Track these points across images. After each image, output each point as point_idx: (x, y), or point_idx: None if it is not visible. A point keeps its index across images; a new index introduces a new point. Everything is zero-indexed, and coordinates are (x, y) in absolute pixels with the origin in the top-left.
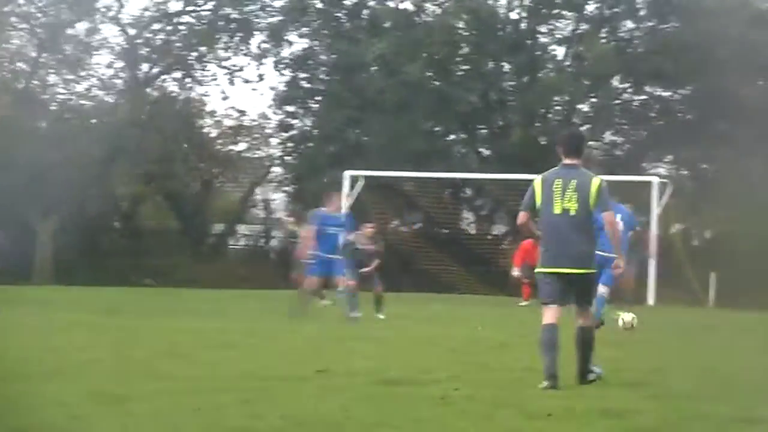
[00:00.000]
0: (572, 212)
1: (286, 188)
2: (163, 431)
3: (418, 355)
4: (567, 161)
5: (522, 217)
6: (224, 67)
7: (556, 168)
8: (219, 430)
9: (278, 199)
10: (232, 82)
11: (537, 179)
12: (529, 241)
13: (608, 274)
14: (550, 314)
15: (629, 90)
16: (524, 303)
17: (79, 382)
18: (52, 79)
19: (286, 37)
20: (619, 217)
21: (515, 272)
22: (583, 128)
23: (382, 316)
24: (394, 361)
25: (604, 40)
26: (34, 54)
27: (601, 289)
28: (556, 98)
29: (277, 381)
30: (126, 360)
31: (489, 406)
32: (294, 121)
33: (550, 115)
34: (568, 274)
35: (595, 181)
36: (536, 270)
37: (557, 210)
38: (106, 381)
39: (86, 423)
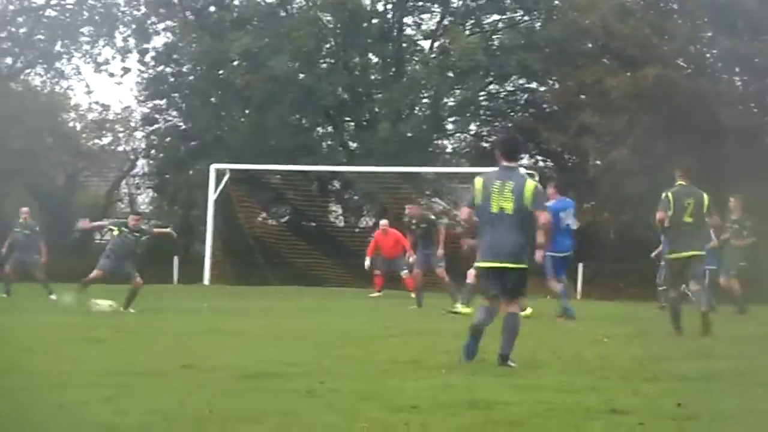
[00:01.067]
0: (508, 211)
1: (151, 182)
2: (25, 429)
3: (284, 348)
4: (505, 164)
5: (465, 212)
6: (89, 61)
7: (497, 169)
8: (84, 427)
9: (144, 193)
10: (98, 75)
11: (478, 179)
12: (379, 233)
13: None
14: (487, 302)
15: (495, 82)
16: (376, 294)
17: None
18: None
19: (150, 30)
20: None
21: (367, 263)
22: (450, 120)
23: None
24: (260, 355)
25: (468, 32)
26: None
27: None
28: (423, 92)
29: (142, 376)
30: None
31: (355, 399)
32: (159, 115)
33: (416, 109)
34: (502, 268)
35: (530, 184)
36: (476, 264)
37: (494, 208)
38: None
39: None
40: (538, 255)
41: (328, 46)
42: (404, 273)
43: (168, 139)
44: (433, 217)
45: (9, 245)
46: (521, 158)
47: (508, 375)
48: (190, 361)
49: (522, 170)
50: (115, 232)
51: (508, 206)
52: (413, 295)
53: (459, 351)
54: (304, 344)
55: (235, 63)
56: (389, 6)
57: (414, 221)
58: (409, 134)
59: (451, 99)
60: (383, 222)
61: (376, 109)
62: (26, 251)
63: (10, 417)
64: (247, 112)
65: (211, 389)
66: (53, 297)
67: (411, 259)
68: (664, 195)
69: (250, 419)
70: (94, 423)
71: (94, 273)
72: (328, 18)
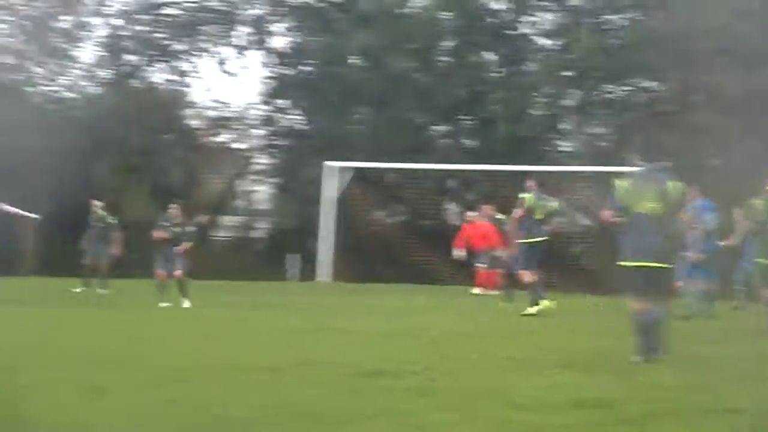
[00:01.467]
0: (652, 211)
1: (270, 180)
2: (140, 420)
3: (397, 346)
4: (646, 164)
5: (607, 214)
6: (209, 59)
7: (639, 170)
8: (196, 420)
9: (261, 190)
10: (217, 74)
11: (621, 180)
12: (472, 225)
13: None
14: (638, 302)
15: (612, 82)
16: (479, 290)
17: (63, 372)
18: (36, 70)
19: (270, 29)
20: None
21: (459, 254)
22: (569, 120)
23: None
24: (373, 352)
25: (588, 31)
26: (19, 46)
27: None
28: (539, 91)
29: (256, 372)
30: (99, 351)
31: (469, 397)
32: (278, 114)
33: (533, 108)
34: (648, 266)
35: (673, 184)
36: (621, 263)
37: (639, 209)
38: (82, 371)
39: (68, 412)
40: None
41: (445, 44)
42: (480, 266)
43: (287, 137)
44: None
45: (88, 239)
46: (661, 159)
47: (624, 373)
48: (304, 357)
49: (662, 170)
50: None
51: (653, 207)
52: (483, 291)
53: (569, 350)
54: (417, 342)
55: (354, 61)
56: (508, 5)
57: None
58: (526, 134)
59: (569, 99)
60: (473, 213)
61: (493, 108)
62: (99, 243)
63: (122, 413)
64: (365, 110)
65: (324, 386)
66: (102, 292)
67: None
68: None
69: (363, 416)
70: (205, 416)
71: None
72: (447, 17)
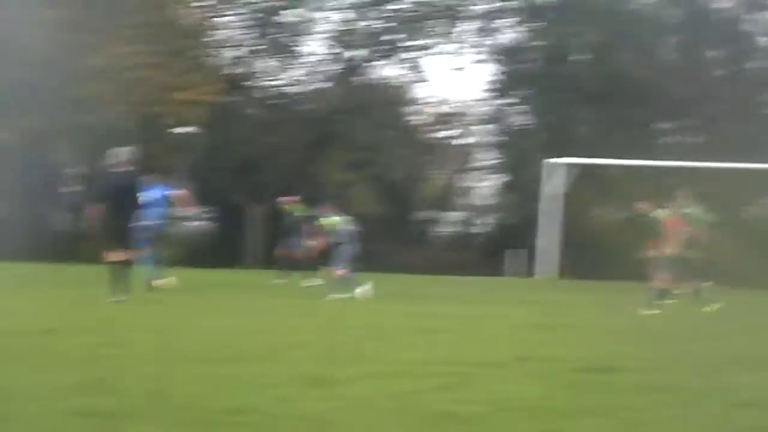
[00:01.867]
0: None
1: (493, 176)
2: (366, 414)
3: (617, 342)
4: None
5: None
6: (434, 55)
7: None
8: (421, 415)
9: (484, 186)
10: (441, 70)
11: None
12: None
13: None
14: None
15: None
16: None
17: (286, 365)
18: (264, 65)
19: (496, 26)
20: None
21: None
22: None
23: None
24: (594, 348)
25: None
26: (247, 40)
27: None
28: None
29: (479, 366)
30: (331, 343)
31: (694, 395)
32: (504, 110)
33: (760, 106)
34: None
35: None
36: None
37: None
38: (311, 363)
39: (293, 405)
40: None
41: (670, 42)
42: None
43: (512, 133)
44: None
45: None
46: None
47: None
48: (525, 352)
49: None
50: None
51: None
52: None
53: None
54: (639, 338)
55: (580, 59)
56: (734, 3)
57: None
58: (754, 132)
59: None
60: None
61: (719, 106)
62: (291, 236)
63: (353, 401)
64: (589, 107)
65: (547, 381)
66: (279, 282)
67: None
68: None
69: (585, 412)
70: (430, 411)
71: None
72: (672, 14)
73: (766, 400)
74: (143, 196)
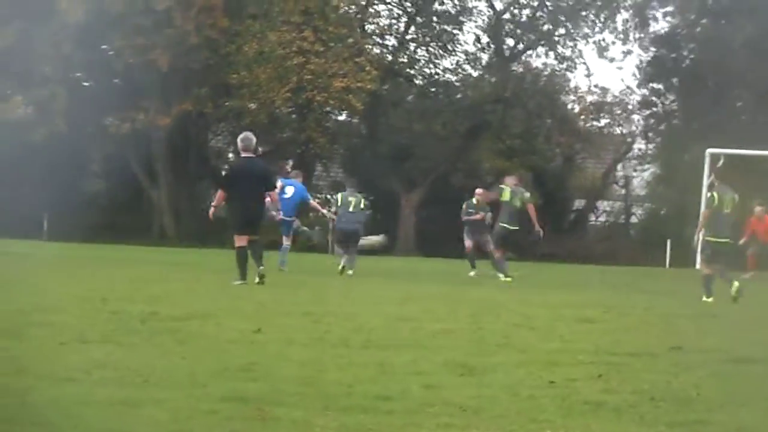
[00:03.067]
0: None
1: (647, 166)
2: (518, 403)
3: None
4: None
5: None
6: (590, 44)
7: None
8: (573, 404)
9: (639, 175)
10: (597, 59)
11: None
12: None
13: None
14: None
15: None
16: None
17: (435, 352)
18: (419, 53)
19: (650, 15)
20: None
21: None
22: None
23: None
24: (748, 338)
25: None
26: (402, 28)
27: None
28: None
29: (630, 357)
30: (481, 331)
31: None
32: (657, 99)
33: None
34: None
35: None
36: None
37: None
38: (460, 351)
39: (441, 392)
40: None
41: None
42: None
43: (665, 122)
44: None
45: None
46: None
47: None
48: (679, 342)
49: None
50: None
51: None
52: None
53: None
54: None
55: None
56: None
57: None
58: None
59: None
60: (759, 209)
61: None
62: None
63: (503, 389)
64: (747, 97)
65: (699, 371)
66: (471, 274)
67: None
68: None
69: (736, 403)
70: (581, 400)
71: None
72: None
73: None
74: (284, 185)
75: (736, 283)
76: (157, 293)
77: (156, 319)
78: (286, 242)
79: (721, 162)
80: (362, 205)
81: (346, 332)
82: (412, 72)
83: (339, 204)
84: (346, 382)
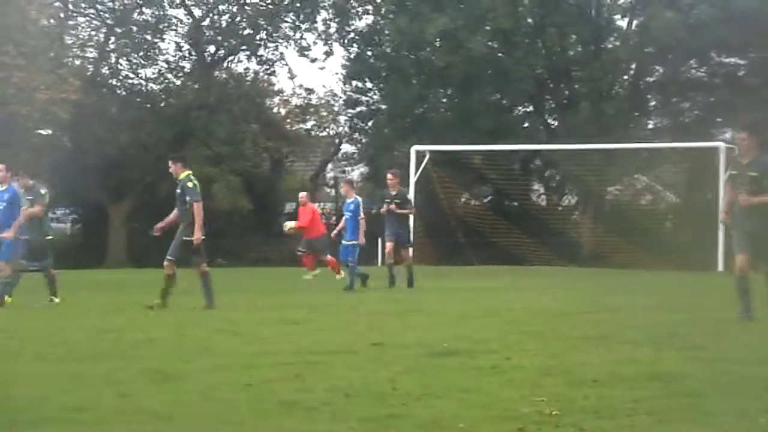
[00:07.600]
0: None
1: (357, 166)
2: (212, 407)
3: (474, 326)
4: None
5: None
6: (291, 47)
7: None
8: (267, 404)
9: (350, 176)
10: (301, 60)
11: None
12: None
13: None
14: None
15: (694, 59)
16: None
17: (133, 362)
18: (121, 63)
19: (352, 12)
20: None
21: None
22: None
23: None
24: (450, 333)
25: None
26: (101, 39)
27: None
28: (623, 70)
29: (329, 354)
30: (184, 339)
31: (537, 374)
32: (361, 97)
33: (617, 87)
34: None
35: None
36: None
37: None
38: (160, 360)
39: (136, 400)
40: None
41: (526, 24)
42: None
43: (371, 121)
44: None
45: None
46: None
47: (694, 348)
48: (381, 339)
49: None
50: None
51: None
52: None
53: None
54: (495, 322)
55: (435, 44)
56: None
57: None
58: (611, 112)
59: (653, 76)
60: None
61: (576, 88)
62: None
63: (198, 394)
64: (448, 93)
65: (397, 366)
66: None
67: None
68: None
69: (430, 396)
70: (276, 401)
71: None
72: None
73: (606, 376)
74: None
75: None
76: None
77: None
78: None
79: (426, 159)
80: None
81: (44, 347)
82: (115, 83)
83: None
84: (39, 395)
